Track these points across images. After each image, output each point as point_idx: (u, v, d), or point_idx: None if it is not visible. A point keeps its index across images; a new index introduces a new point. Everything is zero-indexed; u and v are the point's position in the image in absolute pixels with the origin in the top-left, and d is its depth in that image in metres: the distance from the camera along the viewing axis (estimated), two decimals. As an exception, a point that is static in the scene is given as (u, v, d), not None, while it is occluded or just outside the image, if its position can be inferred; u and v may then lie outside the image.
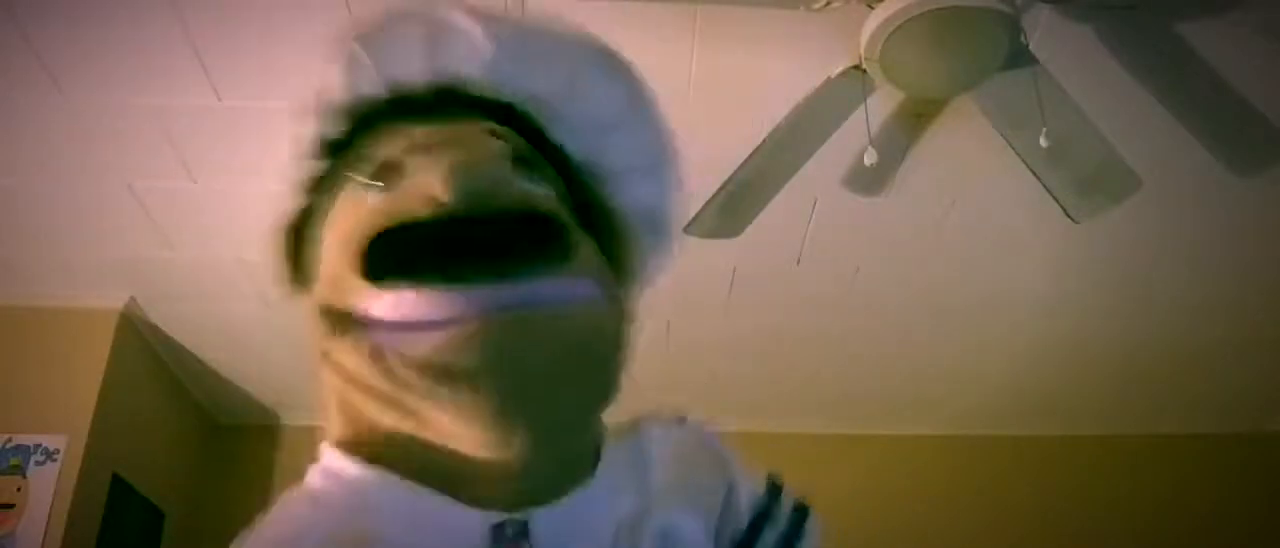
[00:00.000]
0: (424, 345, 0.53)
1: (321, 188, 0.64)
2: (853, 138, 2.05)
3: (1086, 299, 3.17)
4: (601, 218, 0.65)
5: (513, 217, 0.56)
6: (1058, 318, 3.27)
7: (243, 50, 2.06)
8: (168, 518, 3.37)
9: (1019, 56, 1.81)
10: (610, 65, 0.66)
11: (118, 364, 3.01)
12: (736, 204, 2.19)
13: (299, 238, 0.65)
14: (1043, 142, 1.87)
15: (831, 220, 2.74)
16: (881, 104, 2.11)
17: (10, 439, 2.80)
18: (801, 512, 0.73)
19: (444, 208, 0.55)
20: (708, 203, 2.20)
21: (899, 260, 2.97)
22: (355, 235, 0.57)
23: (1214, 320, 3.33)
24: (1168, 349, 3.50)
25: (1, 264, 2.85)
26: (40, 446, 2.80)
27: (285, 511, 0.61)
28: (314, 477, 0.62)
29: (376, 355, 0.55)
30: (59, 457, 2.79)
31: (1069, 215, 2.20)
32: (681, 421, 0.75)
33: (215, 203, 2.55)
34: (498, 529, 0.57)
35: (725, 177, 2.13)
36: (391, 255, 0.55)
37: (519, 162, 0.60)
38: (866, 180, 2.52)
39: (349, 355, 0.57)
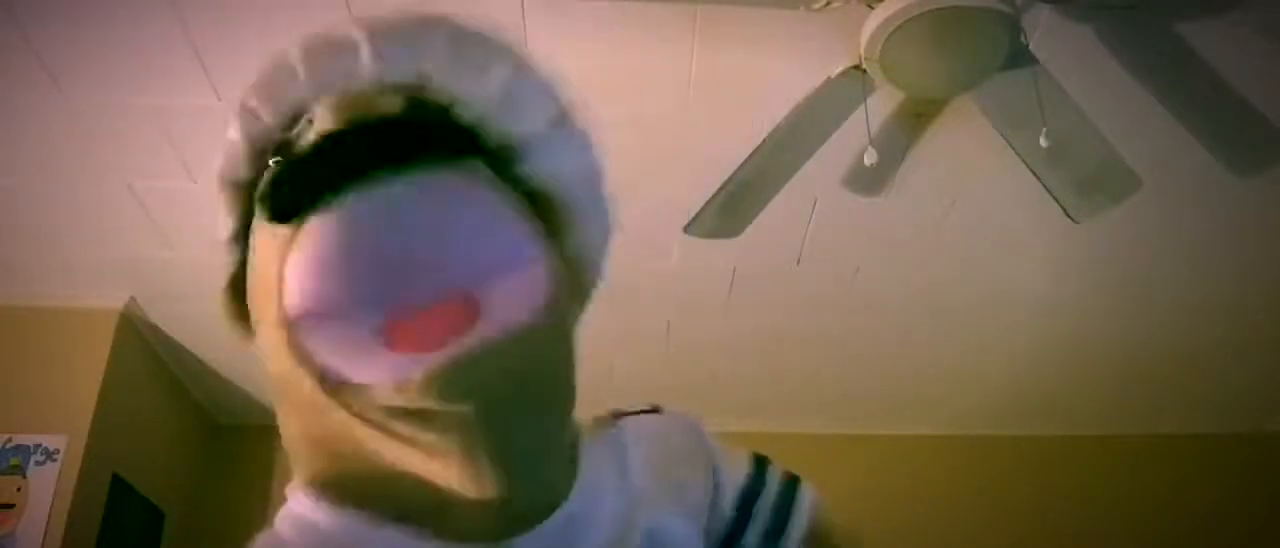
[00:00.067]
0: (383, 390, 0.51)
1: (249, 229, 0.60)
2: (853, 138, 2.05)
3: (1086, 299, 3.17)
4: (531, 195, 0.61)
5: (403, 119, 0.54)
6: (1058, 318, 3.27)
7: (243, 50, 2.06)
8: (168, 518, 3.37)
9: (1019, 56, 1.81)
10: (485, 35, 0.62)
11: (118, 364, 3.01)
12: (736, 204, 2.19)
13: (241, 285, 0.61)
14: (1043, 142, 1.87)
15: (831, 220, 2.74)
16: (881, 104, 2.11)
17: (10, 439, 2.80)
18: (792, 483, 0.73)
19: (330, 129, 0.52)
20: (708, 203, 2.20)
21: (899, 260, 2.97)
22: (276, 250, 0.54)
23: (1214, 320, 3.32)
24: (1168, 349, 3.50)
25: (1, 264, 2.85)
26: (40, 446, 2.80)
27: None
28: (283, 525, 0.60)
29: (334, 398, 0.53)
30: (59, 457, 2.79)
31: (1069, 215, 2.20)
32: (656, 410, 0.74)
33: (215, 203, 2.54)
34: None
35: (725, 177, 2.13)
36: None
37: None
38: (866, 180, 2.52)
39: (304, 403, 0.55)
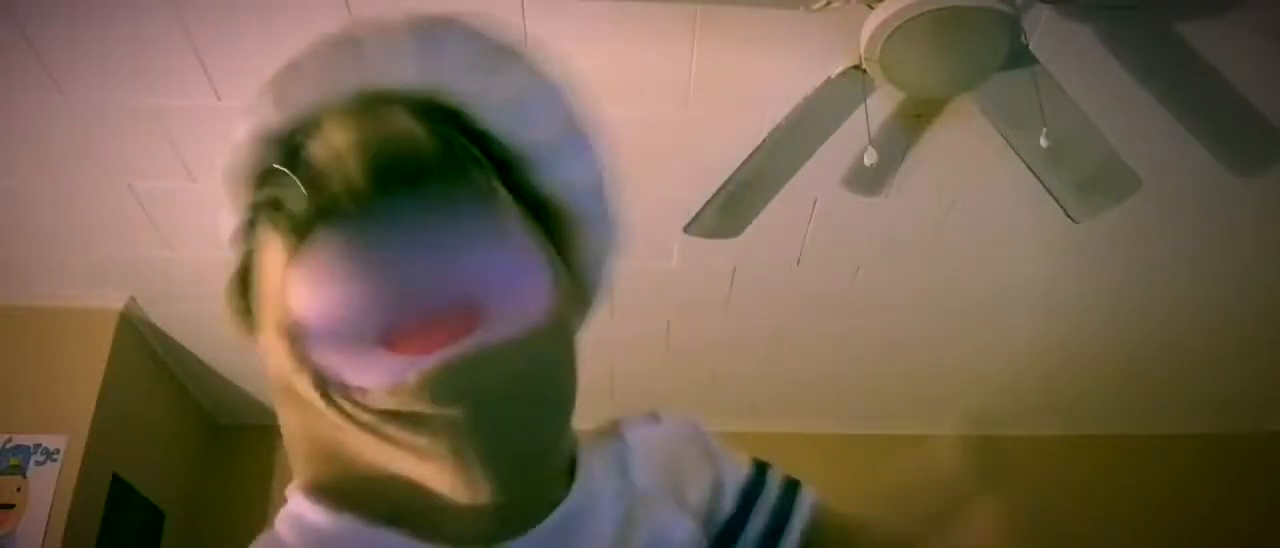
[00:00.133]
0: (377, 393, 0.52)
1: (255, 229, 0.60)
2: (853, 138, 2.05)
3: (1086, 299, 3.17)
4: (537, 204, 0.61)
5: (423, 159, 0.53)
6: (1058, 318, 3.27)
7: (243, 50, 2.06)
8: (168, 518, 3.37)
9: (1019, 56, 1.81)
10: (503, 41, 0.62)
11: (118, 364, 3.01)
12: (736, 204, 2.19)
13: (245, 281, 0.62)
14: (1043, 142, 1.87)
15: (831, 220, 2.74)
16: (881, 104, 2.11)
17: (10, 439, 2.80)
18: (792, 486, 0.73)
19: (355, 183, 0.52)
20: (708, 203, 2.20)
21: (899, 260, 2.97)
22: (282, 257, 0.54)
23: (1214, 320, 3.33)
24: (1168, 349, 3.50)
25: (1, 264, 2.85)
26: (40, 446, 2.80)
27: None
28: (282, 525, 0.60)
29: (329, 401, 0.53)
30: (59, 457, 2.79)
31: (1069, 215, 2.20)
32: (657, 417, 0.74)
33: (215, 203, 2.53)
34: None
35: (725, 177, 2.13)
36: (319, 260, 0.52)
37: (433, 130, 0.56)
38: (866, 180, 2.52)
39: (300, 402, 0.55)
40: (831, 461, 3.81)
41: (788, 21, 1.99)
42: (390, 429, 0.53)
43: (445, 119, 0.57)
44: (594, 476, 0.64)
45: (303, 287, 0.52)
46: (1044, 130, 1.86)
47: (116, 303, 3.03)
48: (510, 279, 0.54)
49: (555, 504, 0.60)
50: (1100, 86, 2.17)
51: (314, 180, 0.53)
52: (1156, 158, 2.37)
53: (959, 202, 2.70)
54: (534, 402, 0.56)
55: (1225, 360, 3.60)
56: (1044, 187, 2.12)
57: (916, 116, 2.30)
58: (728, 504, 0.69)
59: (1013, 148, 2.02)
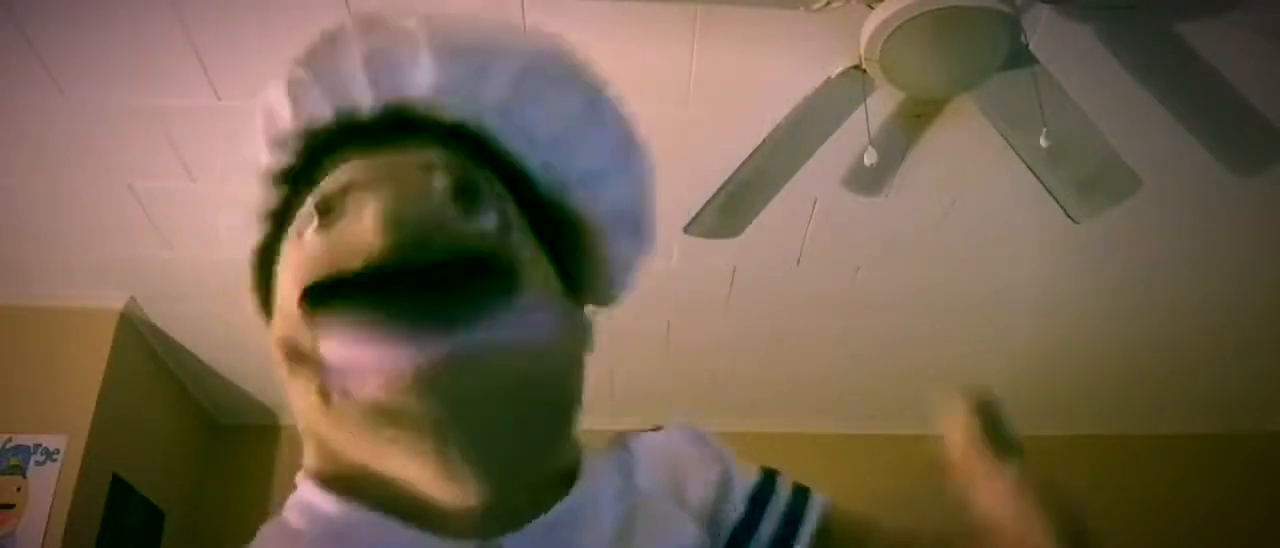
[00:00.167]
0: (368, 388, 0.52)
1: (277, 218, 0.62)
2: (853, 138, 2.05)
3: (1086, 299, 3.17)
4: (563, 226, 0.62)
5: (449, 262, 0.54)
6: (1058, 318, 3.27)
7: (243, 50, 2.06)
8: (168, 518, 3.37)
9: (1019, 56, 1.81)
10: (561, 69, 0.63)
11: (118, 364, 3.01)
12: (736, 204, 2.19)
13: (265, 268, 0.63)
14: (1043, 142, 1.87)
15: (831, 220, 2.74)
16: (881, 104, 2.11)
17: (10, 439, 2.80)
18: (802, 491, 0.73)
19: (377, 259, 0.53)
20: (708, 203, 2.20)
21: (899, 260, 2.97)
22: (296, 278, 0.56)
23: (1214, 320, 3.33)
24: (1168, 349, 3.50)
25: (1, 264, 2.85)
26: (40, 445, 2.80)
27: (263, 547, 0.60)
28: (291, 511, 0.62)
29: (325, 395, 0.54)
30: (59, 457, 2.79)
31: (1069, 215, 2.20)
32: (661, 428, 0.75)
33: (215, 203, 2.54)
34: None
35: (725, 177, 2.13)
36: (332, 300, 0.53)
37: (462, 194, 0.56)
38: (866, 180, 2.52)
39: (302, 394, 0.56)
40: (831, 461, 3.81)
41: (788, 21, 1.99)
42: (382, 427, 0.53)
43: (479, 150, 0.58)
44: (597, 477, 0.64)
45: (321, 336, 0.53)
46: (1044, 130, 1.87)
47: (116, 303, 3.03)
48: (513, 332, 0.55)
49: (551, 505, 0.60)
50: (1100, 86, 2.17)
51: (332, 223, 0.55)
52: (1156, 158, 2.37)
53: (959, 202, 2.70)
54: (526, 407, 0.57)
55: (1225, 360, 3.60)
56: (1044, 187, 2.12)
57: (916, 116, 2.30)
58: (736, 508, 0.69)
59: (1013, 148, 2.02)
